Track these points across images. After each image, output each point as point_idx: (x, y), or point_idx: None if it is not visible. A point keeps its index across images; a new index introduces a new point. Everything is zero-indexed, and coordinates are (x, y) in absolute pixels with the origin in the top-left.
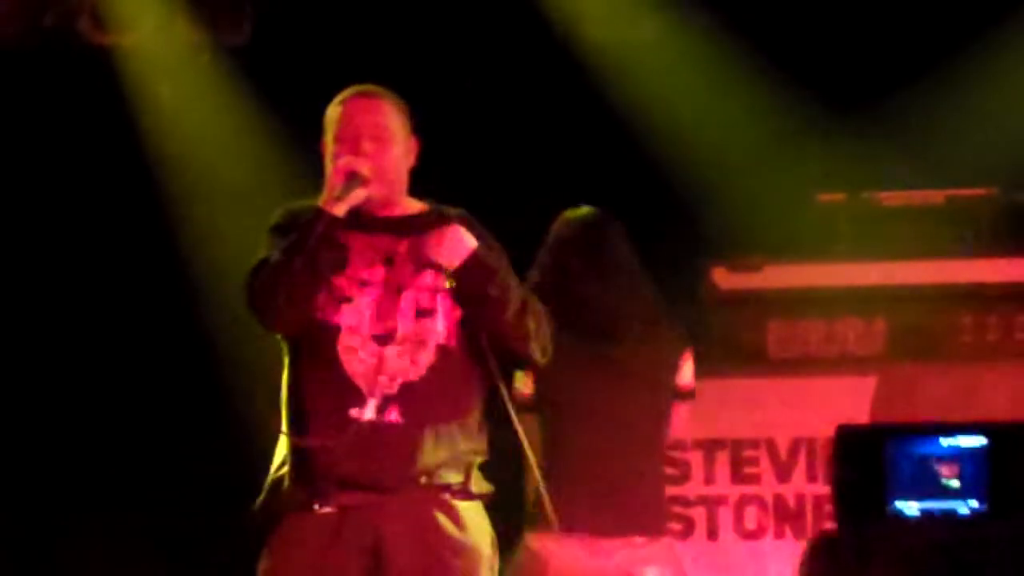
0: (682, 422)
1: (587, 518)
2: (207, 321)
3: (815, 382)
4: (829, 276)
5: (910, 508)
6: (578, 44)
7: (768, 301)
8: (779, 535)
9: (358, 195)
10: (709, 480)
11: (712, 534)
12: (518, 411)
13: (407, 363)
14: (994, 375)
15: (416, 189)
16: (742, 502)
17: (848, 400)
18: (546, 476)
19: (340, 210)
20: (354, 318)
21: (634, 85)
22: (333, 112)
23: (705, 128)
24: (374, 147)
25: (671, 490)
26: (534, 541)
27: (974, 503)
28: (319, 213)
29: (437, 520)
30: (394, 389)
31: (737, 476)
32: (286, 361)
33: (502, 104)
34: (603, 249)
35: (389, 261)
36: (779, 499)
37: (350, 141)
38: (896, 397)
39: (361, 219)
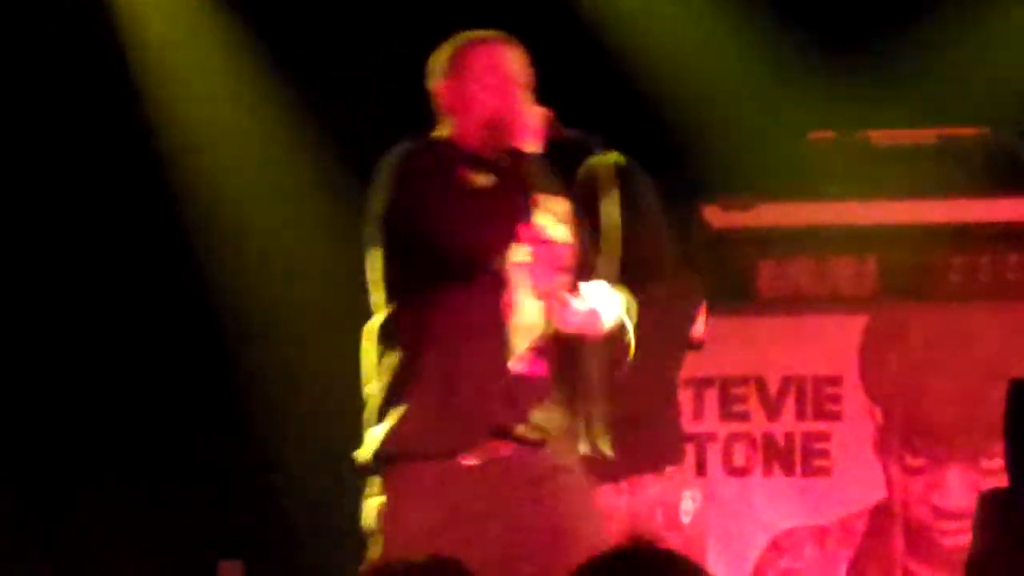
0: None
1: (620, 458)
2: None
3: (805, 321)
4: (820, 215)
5: None
6: None
7: (759, 240)
8: (767, 472)
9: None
10: (698, 417)
11: (700, 470)
12: None
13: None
14: (984, 314)
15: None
16: (731, 439)
17: (838, 339)
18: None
19: (537, 149)
20: (516, 270)
21: (626, 25)
22: (471, 54)
23: (697, 68)
24: (527, 94)
25: None
26: None
27: None
28: (522, 155)
29: (574, 478)
30: (540, 343)
31: (726, 413)
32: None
33: None
34: (635, 196)
35: (532, 212)
36: (768, 437)
37: (511, 86)
38: (886, 336)
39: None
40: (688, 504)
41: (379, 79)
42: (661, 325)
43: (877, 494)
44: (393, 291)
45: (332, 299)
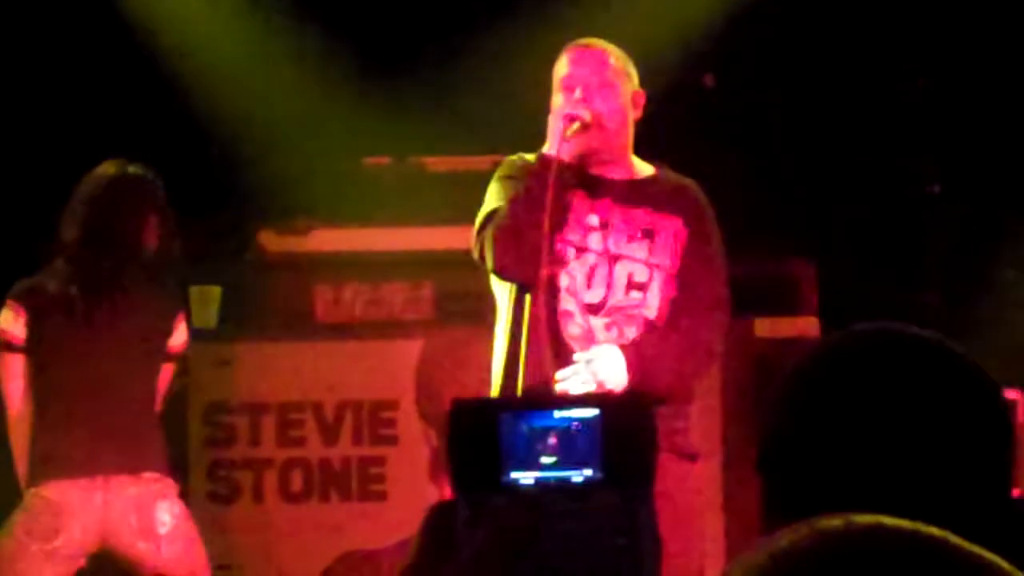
0: (167, 383)
1: (98, 455)
2: None
3: (361, 346)
4: (375, 240)
5: (525, 478)
6: (123, 8)
7: (314, 265)
8: (324, 498)
9: (580, 143)
10: (255, 443)
11: (258, 497)
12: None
13: (614, 335)
14: None
15: None
16: (288, 465)
17: (394, 363)
18: (42, 420)
19: (566, 156)
20: (572, 282)
21: (178, 51)
22: (558, 66)
23: (251, 93)
24: (595, 96)
25: (217, 453)
26: (45, 490)
27: (588, 472)
28: (544, 161)
29: None
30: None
31: (283, 439)
32: (507, 312)
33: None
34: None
35: (604, 225)
36: (325, 462)
37: (572, 91)
38: (441, 361)
39: (584, 178)
40: (165, 516)
41: None
42: (133, 330)
43: None
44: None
45: None
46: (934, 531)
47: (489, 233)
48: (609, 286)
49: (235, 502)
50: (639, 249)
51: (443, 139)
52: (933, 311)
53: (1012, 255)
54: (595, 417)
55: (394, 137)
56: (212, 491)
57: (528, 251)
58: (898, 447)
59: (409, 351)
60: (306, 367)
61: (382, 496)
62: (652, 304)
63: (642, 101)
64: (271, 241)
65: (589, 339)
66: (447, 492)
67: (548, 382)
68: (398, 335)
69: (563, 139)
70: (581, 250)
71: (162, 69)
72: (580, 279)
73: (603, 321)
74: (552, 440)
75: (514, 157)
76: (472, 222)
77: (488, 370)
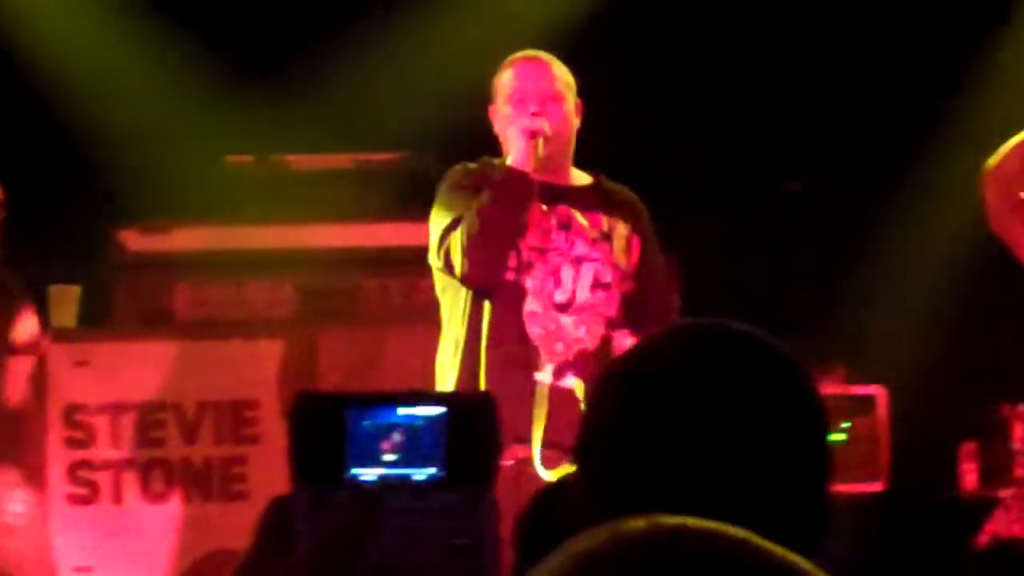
0: (19, 379)
1: None
2: None
3: (222, 345)
4: (237, 239)
5: (367, 474)
6: None
7: (176, 264)
8: (185, 498)
9: (540, 155)
10: (116, 444)
11: (118, 498)
12: None
13: (583, 333)
14: (399, 337)
15: None
16: (149, 465)
17: (255, 363)
18: None
19: (529, 167)
20: (538, 283)
21: (37, 48)
22: (502, 77)
23: (112, 90)
24: (548, 108)
25: (76, 454)
26: None
27: (431, 470)
28: (514, 174)
29: None
30: (570, 356)
31: (143, 439)
32: (462, 315)
33: None
34: None
35: (565, 228)
36: (186, 461)
37: (525, 103)
38: (302, 359)
39: (540, 185)
40: (17, 506)
41: None
42: None
43: None
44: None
45: None
46: (738, 533)
47: (458, 241)
48: (575, 286)
49: (95, 503)
50: (600, 251)
51: (305, 138)
52: (799, 309)
53: (875, 253)
54: (441, 415)
55: (256, 136)
56: (72, 493)
57: (498, 259)
58: (710, 439)
59: (271, 350)
60: (167, 366)
61: (244, 496)
62: (613, 304)
63: (581, 111)
64: (132, 240)
65: (557, 337)
66: None
67: (511, 383)
68: (260, 334)
69: (533, 155)
70: (544, 252)
71: (20, 69)
72: (546, 281)
73: (572, 319)
74: (396, 437)
75: (459, 167)
76: (334, 221)
77: (347, 368)
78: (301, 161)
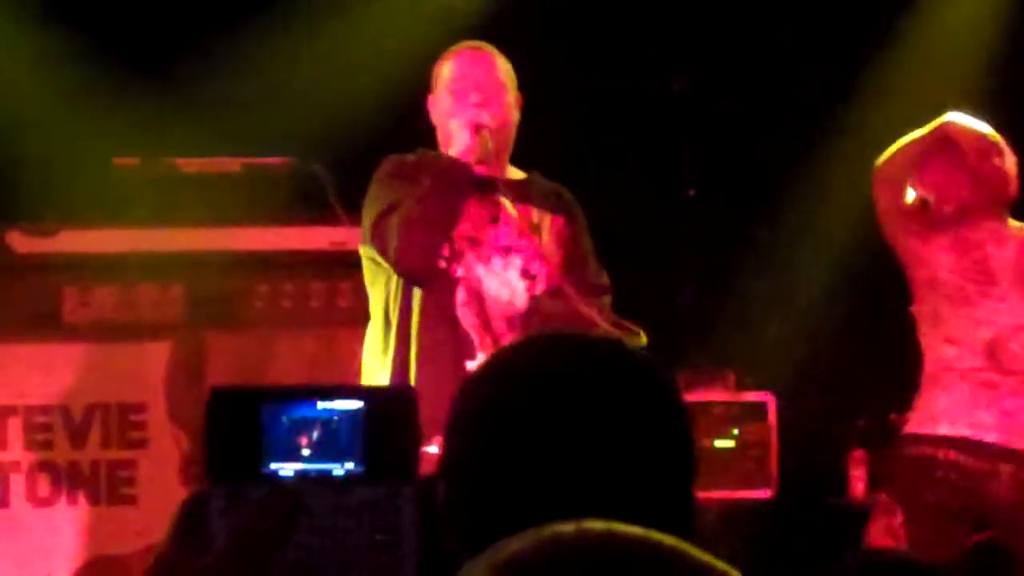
0: None
1: None
2: None
3: (110, 348)
4: (125, 242)
5: (285, 469)
6: None
7: (63, 266)
8: (72, 502)
9: (482, 148)
10: (2, 447)
11: (4, 502)
12: None
13: (511, 323)
14: (289, 341)
15: None
16: (35, 469)
17: (143, 366)
18: None
19: (471, 159)
20: (468, 273)
21: None
22: (443, 67)
23: None
24: (490, 100)
25: None
26: None
27: (350, 465)
28: (457, 165)
29: None
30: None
31: (30, 442)
32: (392, 307)
33: None
34: None
35: (495, 220)
36: (73, 465)
37: (466, 94)
38: (190, 363)
39: (475, 177)
40: None
41: None
42: None
43: None
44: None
45: None
46: (666, 539)
47: (394, 225)
48: (506, 277)
49: None
50: (528, 242)
51: (193, 141)
52: (689, 315)
53: (766, 258)
54: (358, 409)
55: (144, 138)
56: None
57: (433, 247)
58: (572, 447)
59: (158, 353)
60: (53, 369)
61: (132, 500)
62: (540, 291)
63: (521, 104)
64: (18, 242)
65: (487, 327)
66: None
67: (443, 372)
68: (147, 337)
69: (477, 147)
70: (475, 243)
71: None
72: (477, 270)
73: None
74: (314, 432)
75: (394, 156)
76: (223, 224)
77: (236, 372)
78: (189, 164)
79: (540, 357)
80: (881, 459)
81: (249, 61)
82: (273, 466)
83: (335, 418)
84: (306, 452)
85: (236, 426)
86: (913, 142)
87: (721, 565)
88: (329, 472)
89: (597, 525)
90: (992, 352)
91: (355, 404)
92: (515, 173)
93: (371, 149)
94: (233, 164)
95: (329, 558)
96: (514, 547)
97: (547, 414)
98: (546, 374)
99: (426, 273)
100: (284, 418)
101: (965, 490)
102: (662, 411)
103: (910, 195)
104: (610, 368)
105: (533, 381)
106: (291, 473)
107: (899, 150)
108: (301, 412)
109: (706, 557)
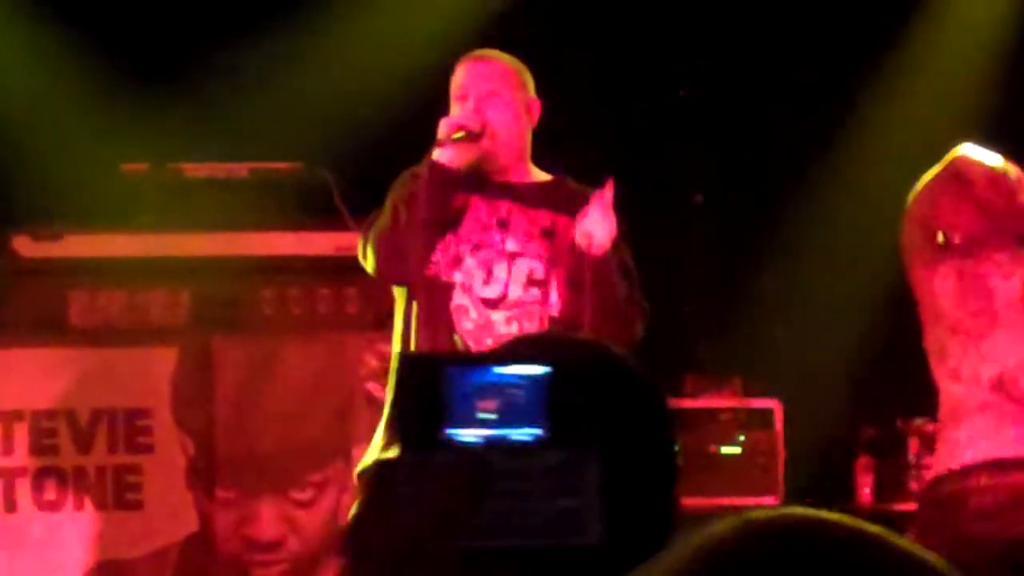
0: None
1: None
2: None
3: (117, 353)
4: (132, 247)
5: (468, 435)
6: None
7: (70, 271)
8: (78, 507)
9: (469, 150)
10: (7, 451)
11: (10, 507)
12: None
13: (515, 329)
14: (296, 346)
15: None
16: (41, 473)
17: (150, 371)
18: None
19: (449, 161)
20: (466, 278)
21: None
22: (454, 76)
23: (4, 95)
24: (486, 105)
25: None
26: None
27: (534, 430)
28: (434, 168)
29: None
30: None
31: (36, 447)
32: (398, 311)
33: None
34: None
35: (503, 225)
36: (79, 470)
37: (465, 101)
38: (197, 368)
39: (482, 183)
40: None
41: None
42: None
43: (190, 526)
44: None
45: None
46: (869, 525)
47: (371, 238)
48: (507, 282)
49: None
50: (538, 247)
51: (201, 146)
52: (696, 321)
53: (773, 265)
54: (543, 374)
55: (152, 143)
56: None
57: (407, 252)
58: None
59: (165, 358)
60: (60, 374)
61: (138, 505)
62: (553, 301)
63: (537, 108)
64: (25, 246)
65: (487, 332)
66: (203, 500)
67: None
68: (154, 342)
69: (441, 143)
70: (477, 248)
71: None
72: (477, 276)
73: (503, 315)
74: (498, 397)
75: (406, 172)
76: (230, 229)
77: (243, 378)
78: (197, 169)
79: (524, 360)
80: (888, 466)
81: (257, 67)
82: (456, 431)
83: (520, 383)
84: (490, 417)
85: (420, 391)
86: (931, 178)
87: (927, 554)
88: (513, 437)
89: (797, 510)
90: (1000, 387)
91: (539, 369)
92: (539, 176)
93: (378, 154)
94: (241, 169)
95: (515, 523)
96: (715, 530)
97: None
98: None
99: (409, 281)
100: (468, 383)
101: (1004, 511)
102: (645, 414)
103: (940, 237)
104: (594, 371)
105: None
106: (475, 439)
107: (922, 186)
108: (486, 377)
109: (912, 546)
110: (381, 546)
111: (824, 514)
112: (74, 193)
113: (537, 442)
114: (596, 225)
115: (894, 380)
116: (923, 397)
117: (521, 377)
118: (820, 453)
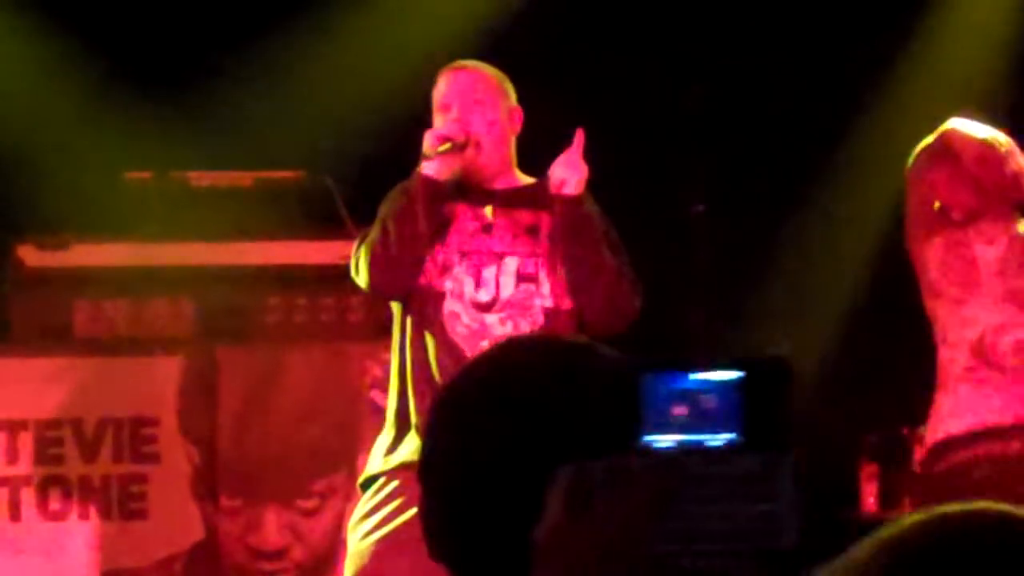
0: None
1: None
2: None
3: (122, 362)
4: (137, 256)
5: (662, 441)
6: None
7: (75, 280)
8: (83, 516)
9: (455, 161)
10: (12, 460)
11: (15, 516)
12: None
13: (510, 329)
14: (300, 355)
15: None
16: (46, 483)
17: (155, 380)
18: None
19: (437, 173)
20: (456, 285)
21: None
22: (435, 89)
23: (9, 105)
24: (469, 116)
25: None
26: None
27: (727, 435)
28: (420, 179)
29: None
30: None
31: (41, 456)
32: (396, 322)
33: None
34: None
35: (487, 229)
36: (84, 479)
37: (448, 111)
38: (202, 378)
39: (467, 191)
40: None
41: None
42: None
43: (195, 535)
44: None
45: None
46: None
47: (362, 252)
48: (498, 283)
49: None
50: (523, 244)
51: (205, 155)
52: (696, 330)
53: (775, 273)
54: (737, 379)
55: (156, 152)
56: None
57: (398, 265)
58: (543, 446)
59: (169, 367)
60: (65, 383)
61: (143, 514)
62: (545, 292)
63: (519, 116)
64: (30, 255)
65: (481, 336)
66: (208, 509)
67: (432, 381)
68: (158, 351)
69: (427, 157)
70: (465, 255)
71: None
72: (467, 282)
73: (497, 317)
74: (691, 402)
75: (399, 185)
76: (234, 238)
77: (248, 388)
78: (201, 178)
79: (512, 362)
80: (893, 473)
81: (260, 76)
82: (651, 437)
83: (713, 389)
84: (683, 422)
85: (614, 396)
86: (923, 149)
87: None
88: (707, 443)
89: (990, 507)
90: (979, 351)
91: (733, 374)
92: (523, 180)
93: (381, 163)
94: (245, 178)
95: (711, 529)
96: (902, 525)
97: (518, 419)
98: (518, 378)
99: (402, 292)
100: (662, 389)
101: (1009, 480)
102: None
103: (936, 204)
104: (582, 371)
105: (505, 385)
106: (668, 444)
107: (915, 159)
108: (680, 383)
109: None
110: (577, 552)
111: (1017, 512)
112: (78, 202)
113: (731, 447)
114: (568, 170)
115: (899, 388)
116: (928, 405)
117: (715, 383)
118: (824, 460)
